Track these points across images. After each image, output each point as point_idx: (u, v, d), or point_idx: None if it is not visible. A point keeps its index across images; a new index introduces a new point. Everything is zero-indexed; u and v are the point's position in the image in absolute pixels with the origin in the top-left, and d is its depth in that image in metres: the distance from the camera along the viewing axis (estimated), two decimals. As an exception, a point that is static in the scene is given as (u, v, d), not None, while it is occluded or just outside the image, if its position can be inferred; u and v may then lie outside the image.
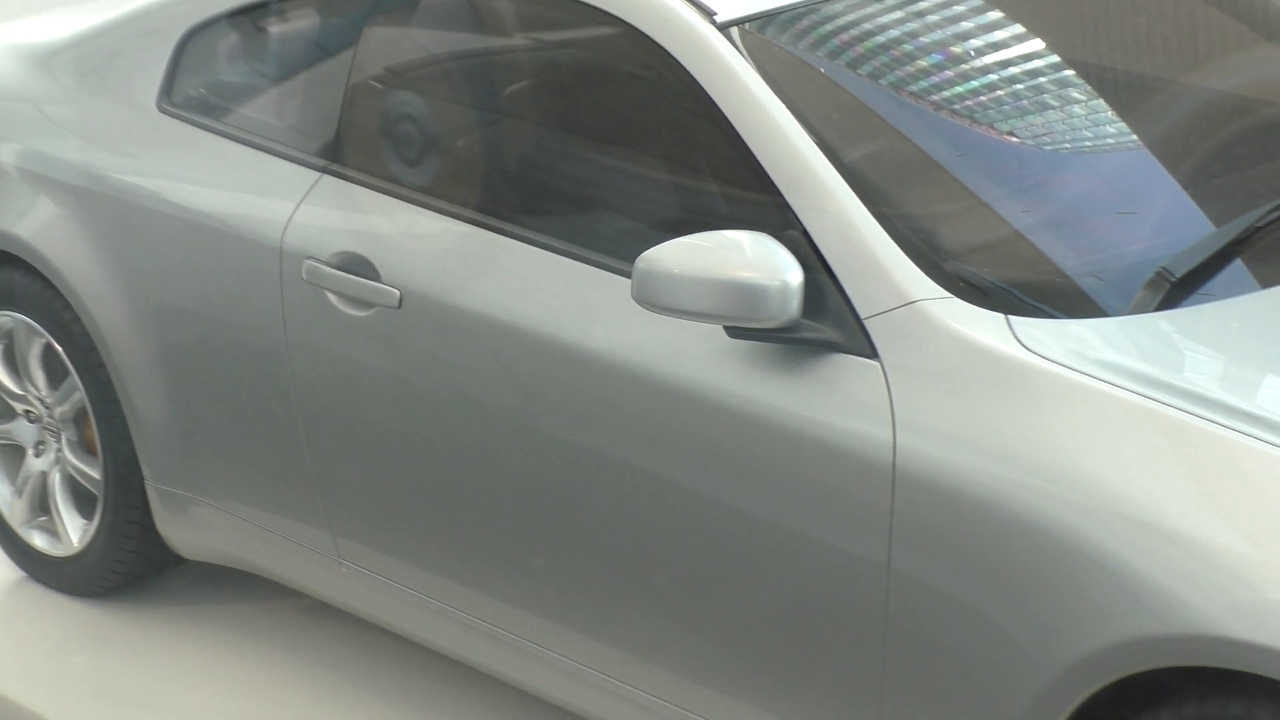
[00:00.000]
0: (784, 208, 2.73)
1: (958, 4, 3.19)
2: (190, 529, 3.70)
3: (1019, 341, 2.55)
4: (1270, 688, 2.29)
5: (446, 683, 3.59)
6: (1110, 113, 3.16)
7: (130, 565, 3.85)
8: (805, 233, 2.70)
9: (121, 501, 3.76)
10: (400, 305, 3.14)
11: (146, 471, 3.68)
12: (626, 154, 3.08)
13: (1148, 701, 2.42)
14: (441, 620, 3.31)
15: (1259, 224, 2.80)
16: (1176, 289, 2.66)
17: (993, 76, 3.09)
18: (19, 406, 3.94)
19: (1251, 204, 2.87)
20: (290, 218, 3.34)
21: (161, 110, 3.65)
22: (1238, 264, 2.77)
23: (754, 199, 2.79)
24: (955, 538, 2.52)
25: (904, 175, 2.90)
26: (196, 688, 3.64)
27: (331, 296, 3.24)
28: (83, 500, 3.90)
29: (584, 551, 3.00)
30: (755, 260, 2.62)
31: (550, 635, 3.13)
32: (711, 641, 2.89)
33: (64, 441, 3.86)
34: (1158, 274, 2.68)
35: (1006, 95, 3.09)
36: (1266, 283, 2.75)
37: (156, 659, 3.74)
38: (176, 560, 3.87)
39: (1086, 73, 3.22)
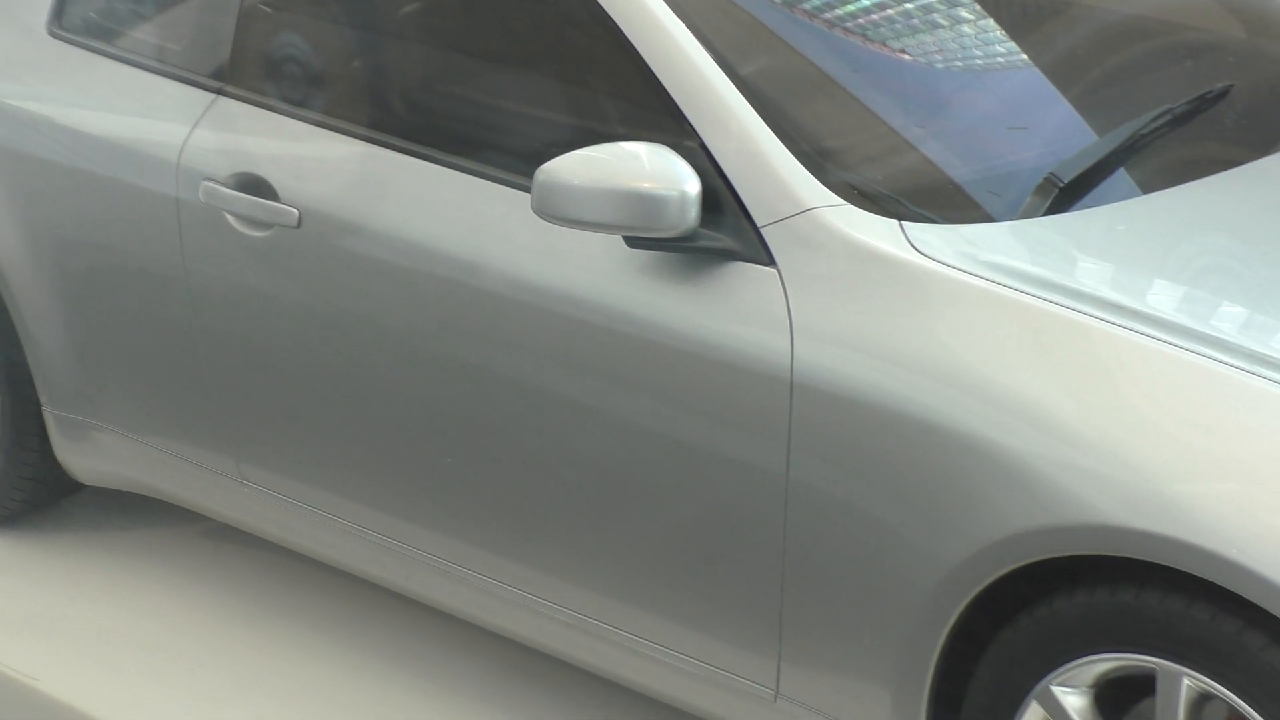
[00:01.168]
0: (680, 120, 2.76)
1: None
2: (89, 455, 3.69)
3: (912, 246, 2.59)
4: (1157, 574, 2.37)
5: (352, 603, 3.60)
6: (999, 30, 3.21)
7: (28, 493, 3.83)
8: (702, 144, 2.73)
9: (18, 429, 3.73)
10: (299, 225, 3.14)
11: (43, 398, 3.66)
12: (524, 71, 3.09)
13: (1042, 592, 2.49)
14: (345, 538, 3.33)
15: (1142, 131, 2.87)
16: (1064, 195, 2.73)
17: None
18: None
19: (1135, 113, 2.94)
20: (186, 140, 3.32)
21: (52, 35, 3.61)
22: (1122, 171, 2.84)
23: (651, 112, 2.82)
24: (851, 442, 2.57)
25: (799, 88, 2.93)
26: (99, 613, 3.63)
27: (230, 218, 3.24)
28: (-22, 429, 3.88)
29: (486, 467, 3.03)
30: (653, 170, 2.65)
31: (454, 550, 3.15)
32: (615, 554, 2.92)
33: (-42, 370, 3.84)
34: (1046, 180, 2.74)
35: (899, 14, 3.14)
36: (1148, 188, 2.83)
37: (57, 585, 3.73)
38: (75, 487, 3.86)
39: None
